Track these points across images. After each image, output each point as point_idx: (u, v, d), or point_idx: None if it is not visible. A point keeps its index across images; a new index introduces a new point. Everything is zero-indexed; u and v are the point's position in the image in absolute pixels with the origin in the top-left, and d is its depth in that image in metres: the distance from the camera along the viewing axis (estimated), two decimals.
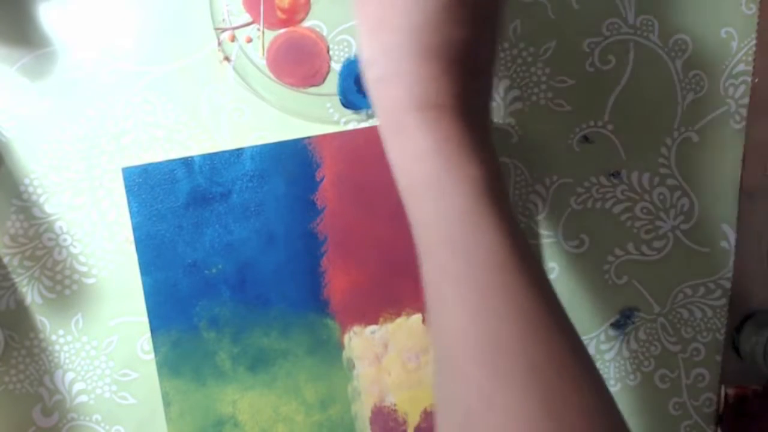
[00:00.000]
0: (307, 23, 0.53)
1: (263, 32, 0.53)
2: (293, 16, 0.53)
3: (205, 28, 0.53)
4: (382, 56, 0.34)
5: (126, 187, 0.49)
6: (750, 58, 0.53)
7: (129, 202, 0.49)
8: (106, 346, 0.53)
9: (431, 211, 0.34)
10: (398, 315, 0.50)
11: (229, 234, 0.49)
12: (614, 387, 0.54)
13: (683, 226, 0.54)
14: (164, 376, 0.49)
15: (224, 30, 0.53)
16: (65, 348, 0.53)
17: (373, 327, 0.50)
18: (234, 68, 0.53)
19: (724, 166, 0.53)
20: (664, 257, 0.54)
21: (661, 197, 0.53)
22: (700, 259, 0.54)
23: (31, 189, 0.53)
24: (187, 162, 0.49)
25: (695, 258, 0.54)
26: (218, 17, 0.53)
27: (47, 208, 0.53)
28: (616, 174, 0.54)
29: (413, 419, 0.50)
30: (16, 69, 0.53)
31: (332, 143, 0.50)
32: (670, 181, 0.53)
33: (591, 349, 0.54)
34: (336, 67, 0.53)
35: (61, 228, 0.53)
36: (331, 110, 0.53)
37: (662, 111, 0.53)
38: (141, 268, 0.49)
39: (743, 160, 0.54)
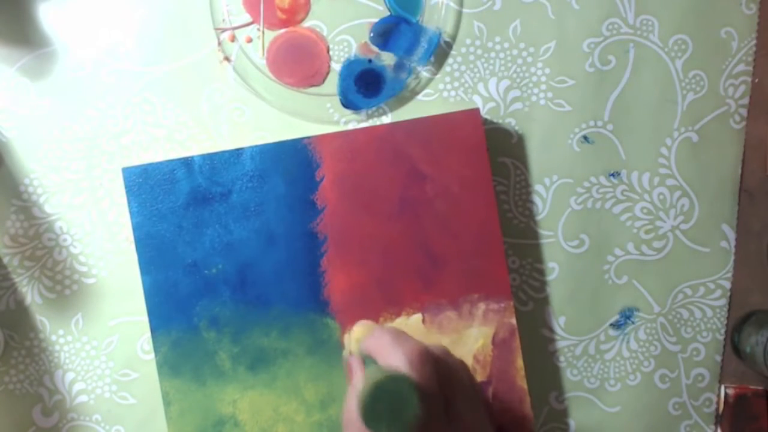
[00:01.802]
0: (307, 23, 0.53)
1: (263, 32, 0.53)
2: (293, 16, 0.53)
3: (205, 28, 0.53)
4: None
5: (126, 187, 0.49)
6: (750, 58, 0.53)
7: (129, 202, 0.49)
8: (106, 346, 0.53)
9: None
10: (398, 315, 0.50)
11: (229, 234, 0.49)
12: (614, 387, 0.54)
13: (683, 226, 0.54)
14: (164, 375, 0.49)
15: (224, 30, 0.53)
16: (65, 348, 0.53)
17: None
18: (234, 68, 0.53)
19: (724, 166, 0.53)
20: (664, 257, 0.54)
21: (661, 197, 0.54)
22: (700, 259, 0.54)
23: (31, 189, 0.53)
24: (187, 162, 0.49)
25: (695, 258, 0.54)
26: (218, 17, 0.53)
27: (47, 208, 0.53)
28: (616, 174, 0.54)
29: None
30: (16, 69, 0.53)
31: (332, 143, 0.50)
32: (670, 181, 0.53)
33: (591, 349, 0.54)
34: (336, 67, 0.53)
35: (61, 228, 0.53)
36: (331, 110, 0.53)
37: (662, 111, 0.53)
38: (141, 268, 0.49)
39: (743, 160, 0.54)
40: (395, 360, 0.35)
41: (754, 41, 0.53)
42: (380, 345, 0.37)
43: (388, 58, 0.53)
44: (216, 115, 0.53)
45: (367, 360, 0.39)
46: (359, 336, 0.48)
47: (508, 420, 0.49)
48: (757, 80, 0.53)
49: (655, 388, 0.54)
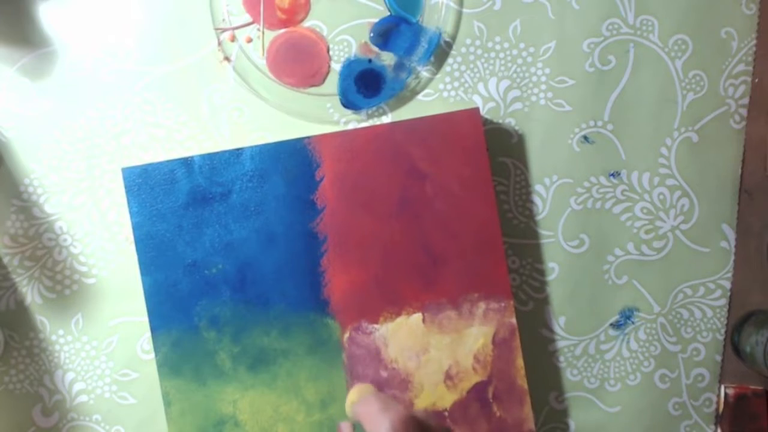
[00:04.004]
0: (307, 23, 0.53)
1: (263, 32, 0.53)
2: (293, 16, 0.53)
3: (205, 28, 0.53)
4: None
5: (126, 187, 0.49)
6: (750, 58, 0.53)
7: (129, 202, 0.49)
8: (106, 346, 0.53)
9: None
10: (398, 314, 0.50)
11: (229, 234, 0.49)
12: (614, 387, 0.54)
13: (683, 226, 0.54)
14: (164, 375, 0.49)
15: (224, 30, 0.53)
16: (65, 348, 0.53)
17: (373, 326, 0.50)
18: (234, 68, 0.53)
19: (724, 166, 0.54)
20: (664, 257, 0.54)
21: (661, 197, 0.54)
22: (700, 259, 0.54)
23: (31, 189, 0.53)
24: (186, 162, 0.49)
25: (695, 258, 0.54)
26: (218, 17, 0.53)
27: (47, 208, 0.53)
28: (616, 174, 0.54)
29: None
30: (16, 69, 0.53)
31: (332, 143, 0.50)
32: (670, 181, 0.53)
33: (591, 349, 0.54)
34: (336, 67, 0.53)
35: (61, 228, 0.53)
36: (331, 110, 0.53)
37: (662, 111, 0.53)
38: (141, 268, 0.49)
39: (743, 160, 0.54)
40: (381, 427, 0.36)
41: (754, 41, 0.53)
42: (369, 412, 0.38)
43: (388, 58, 0.53)
44: (216, 115, 0.53)
45: (357, 427, 0.41)
46: (353, 399, 0.49)
47: (508, 420, 0.49)
48: (757, 80, 0.53)
49: (655, 388, 0.54)
